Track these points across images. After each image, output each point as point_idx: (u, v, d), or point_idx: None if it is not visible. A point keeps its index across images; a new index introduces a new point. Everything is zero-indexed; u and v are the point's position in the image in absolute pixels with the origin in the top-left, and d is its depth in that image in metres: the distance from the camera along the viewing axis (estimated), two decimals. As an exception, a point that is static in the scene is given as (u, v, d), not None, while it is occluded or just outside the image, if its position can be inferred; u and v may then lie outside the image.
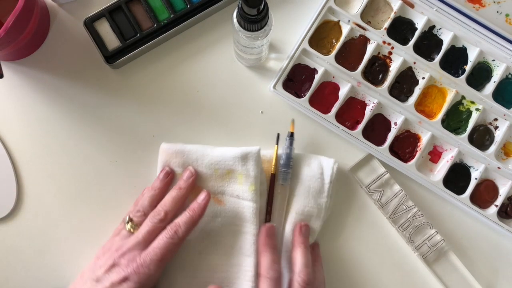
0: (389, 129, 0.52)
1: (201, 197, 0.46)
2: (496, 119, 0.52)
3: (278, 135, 0.49)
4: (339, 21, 0.53)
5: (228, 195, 0.48)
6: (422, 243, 0.49)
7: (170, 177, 0.48)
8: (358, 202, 0.51)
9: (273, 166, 0.49)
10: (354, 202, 0.51)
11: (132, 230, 0.45)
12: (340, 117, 0.51)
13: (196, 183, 0.48)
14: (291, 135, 0.49)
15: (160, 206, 0.45)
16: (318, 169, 0.49)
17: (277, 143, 0.49)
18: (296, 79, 0.52)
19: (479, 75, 0.53)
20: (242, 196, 0.48)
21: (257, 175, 0.48)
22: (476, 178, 0.51)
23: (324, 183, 0.48)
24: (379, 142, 0.51)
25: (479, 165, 0.51)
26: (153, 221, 0.44)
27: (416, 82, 0.52)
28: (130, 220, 0.45)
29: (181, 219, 0.44)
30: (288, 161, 0.48)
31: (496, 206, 0.51)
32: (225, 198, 0.48)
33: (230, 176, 0.48)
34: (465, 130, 0.51)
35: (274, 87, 0.51)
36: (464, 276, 0.49)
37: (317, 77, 0.51)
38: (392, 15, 0.52)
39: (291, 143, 0.49)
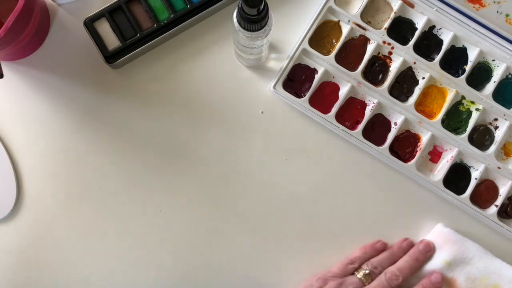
0: (389, 129, 0.52)
1: (435, 276, 0.48)
2: (496, 119, 0.52)
3: None
4: (339, 21, 0.53)
5: None
6: None
7: (410, 247, 0.50)
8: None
9: None
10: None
11: (364, 281, 0.47)
12: (340, 117, 0.51)
13: (453, 276, 0.49)
14: None
15: (399, 271, 0.47)
16: None
17: None
18: (296, 79, 0.52)
19: (479, 75, 0.52)
20: None
21: None
22: (476, 178, 0.51)
23: None
24: (379, 142, 0.51)
25: (479, 165, 0.51)
26: (390, 284, 0.46)
27: (416, 82, 0.52)
28: (368, 274, 0.47)
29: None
30: None
31: (496, 206, 0.51)
32: None
33: None
34: (465, 130, 0.51)
35: (274, 87, 0.51)
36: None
37: (317, 77, 0.51)
38: (392, 15, 0.52)
39: None
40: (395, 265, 0.47)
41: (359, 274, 0.47)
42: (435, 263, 0.49)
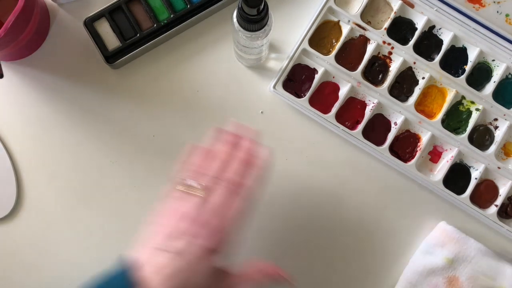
0: (389, 129, 0.52)
1: (265, 155, 0.43)
2: (496, 119, 0.52)
3: None
4: (339, 21, 0.53)
5: None
6: None
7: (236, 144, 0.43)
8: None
9: None
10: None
11: (202, 195, 0.40)
12: (340, 117, 0.51)
13: (455, 274, 0.49)
14: None
15: (234, 173, 0.41)
16: None
17: None
18: (296, 79, 0.52)
19: (479, 75, 0.52)
20: None
21: None
22: (476, 178, 0.51)
23: None
24: (379, 142, 0.51)
25: (479, 165, 0.51)
26: (224, 185, 0.40)
27: (416, 82, 0.52)
28: (199, 184, 0.41)
29: (251, 179, 0.41)
30: None
31: (496, 206, 0.51)
32: None
33: None
34: (465, 130, 0.51)
35: (274, 87, 0.51)
36: None
37: (317, 77, 0.51)
38: (392, 15, 0.52)
39: None
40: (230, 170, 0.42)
41: (199, 193, 0.40)
42: (437, 261, 0.49)
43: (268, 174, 0.43)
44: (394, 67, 0.52)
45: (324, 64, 0.52)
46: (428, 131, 0.51)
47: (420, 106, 0.52)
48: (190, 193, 0.41)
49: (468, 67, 0.52)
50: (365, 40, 0.52)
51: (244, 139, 0.43)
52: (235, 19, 0.42)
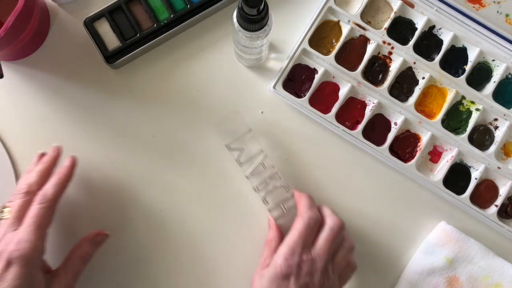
0: (389, 129, 0.52)
1: (67, 162, 0.46)
2: (496, 119, 0.52)
3: None
4: (339, 21, 0.53)
5: None
6: (276, 205, 0.48)
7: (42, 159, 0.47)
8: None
9: None
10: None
11: (5, 217, 0.42)
12: (340, 117, 0.51)
13: (455, 274, 0.49)
14: None
15: (23, 182, 0.44)
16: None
17: None
18: (296, 79, 0.52)
19: (479, 75, 0.53)
20: None
21: None
22: (476, 178, 0.51)
23: None
24: (379, 142, 0.51)
25: (479, 165, 0.51)
26: (19, 197, 0.42)
27: (416, 82, 0.52)
28: (3, 208, 0.43)
29: (48, 184, 0.44)
30: None
31: (496, 206, 0.51)
32: None
33: None
34: (465, 130, 0.51)
35: (274, 87, 0.51)
36: None
37: (317, 77, 0.51)
38: (392, 15, 0.52)
39: None
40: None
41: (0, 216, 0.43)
42: (437, 261, 0.49)
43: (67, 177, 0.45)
44: (394, 67, 0.52)
45: (324, 64, 0.52)
46: (428, 131, 0.51)
47: (420, 106, 0.52)
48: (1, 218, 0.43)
49: (468, 67, 0.52)
50: (365, 40, 0.52)
51: (46, 156, 0.47)
52: (235, 19, 0.42)
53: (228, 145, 0.48)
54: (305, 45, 0.51)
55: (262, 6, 0.39)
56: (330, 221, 0.45)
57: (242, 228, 0.50)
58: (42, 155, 0.48)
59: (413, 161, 0.51)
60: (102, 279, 0.49)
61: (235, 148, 0.48)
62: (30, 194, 0.43)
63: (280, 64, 0.52)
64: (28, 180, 0.44)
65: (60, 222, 0.50)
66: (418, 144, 0.52)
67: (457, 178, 0.51)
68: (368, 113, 0.51)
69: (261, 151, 0.48)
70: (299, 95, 0.52)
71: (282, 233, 0.47)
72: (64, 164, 0.46)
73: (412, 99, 0.52)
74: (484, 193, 0.51)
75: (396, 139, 0.52)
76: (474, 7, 0.52)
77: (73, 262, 0.44)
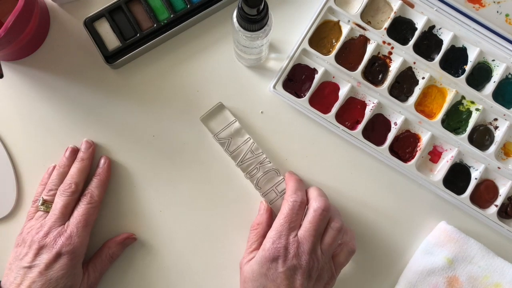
0: (389, 129, 0.52)
1: (102, 161, 0.50)
2: (496, 119, 0.52)
3: None
4: (339, 21, 0.53)
5: None
6: (269, 190, 0.50)
7: (75, 154, 0.50)
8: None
9: None
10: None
11: (47, 209, 0.47)
12: (340, 117, 0.51)
13: (455, 274, 0.49)
14: None
15: (68, 180, 0.48)
16: None
17: None
18: (296, 79, 0.52)
19: (479, 75, 0.53)
20: None
21: None
22: (476, 178, 0.51)
23: None
24: (379, 142, 0.51)
25: (479, 165, 0.51)
26: (66, 195, 0.46)
27: (416, 82, 0.52)
28: (45, 201, 0.47)
29: (92, 185, 0.48)
30: None
31: (496, 206, 0.51)
32: None
33: None
34: (465, 130, 0.51)
35: (274, 87, 0.51)
36: None
37: (317, 77, 0.51)
38: (392, 15, 0.52)
39: None
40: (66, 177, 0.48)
41: (42, 208, 0.47)
42: (437, 261, 0.49)
43: (107, 178, 0.49)
44: (394, 67, 0.52)
45: (324, 64, 0.52)
46: (428, 131, 0.51)
47: (420, 106, 0.52)
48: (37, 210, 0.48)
49: (468, 67, 0.52)
50: (365, 40, 0.52)
51: (80, 151, 0.50)
52: (235, 19, 0.42)
53: (216, 136, 0.50)
54: (305, 45, 0.51)
55: (262, 6, 0.39)
56: (314, 203, 0.45)
57: (243, 227, 0.50)
58: (73, 149, 0.50)
59: (413, 161, 0.51)
60: (102, 279, 0.49)
61: (222, 138, 0.50)
62: (75, 194, 0.47)
63: (280, 64, 0.52)
64: (73, 179, 0.47)
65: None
66: (418, 144, 0.52)
67: (457, 178, 0.51)
68: (368, 113, 0.51)
69: (249, 139, 0.50)
70: (299, 95, 0.52)
71: (271, 219, 0.48)
72: (100, 165, 0.50)
73: (412, 99, 0.52)
74: (484, 193, 0.51)
75: (396, 139, 0.52)
76: (474, 7, 0.52)
77: (102, 261, 0.48)
